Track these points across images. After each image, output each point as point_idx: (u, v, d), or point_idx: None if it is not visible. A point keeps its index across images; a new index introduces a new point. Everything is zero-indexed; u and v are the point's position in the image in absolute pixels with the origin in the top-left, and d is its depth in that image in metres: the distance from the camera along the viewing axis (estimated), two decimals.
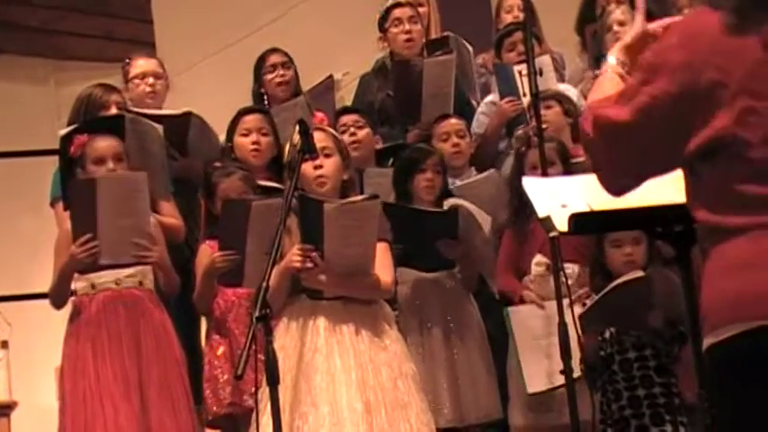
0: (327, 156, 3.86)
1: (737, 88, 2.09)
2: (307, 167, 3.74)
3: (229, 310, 4.32)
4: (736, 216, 2.11)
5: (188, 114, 4.73)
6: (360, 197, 3.84)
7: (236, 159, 4.71)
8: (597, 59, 4.95)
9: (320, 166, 3.82)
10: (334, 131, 4.20)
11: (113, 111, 4.62)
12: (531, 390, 4.27)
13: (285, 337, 3.74)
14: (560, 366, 3.71)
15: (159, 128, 4.55)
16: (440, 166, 4.60)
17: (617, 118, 2.19)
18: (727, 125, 2.10)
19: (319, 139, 3.78)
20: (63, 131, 4.41)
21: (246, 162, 4.68)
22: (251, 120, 4.78)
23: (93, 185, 4.07)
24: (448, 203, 4.46)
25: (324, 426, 3.57)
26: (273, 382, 3.10)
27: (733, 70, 2.09)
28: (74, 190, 4.15)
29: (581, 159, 4.69)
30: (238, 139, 4.76)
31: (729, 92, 2.09)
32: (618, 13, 4.98)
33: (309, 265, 3.70)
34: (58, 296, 4.24)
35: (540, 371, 4.25)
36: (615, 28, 4.94)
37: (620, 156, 2.23)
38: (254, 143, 4.72)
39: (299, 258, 3.70)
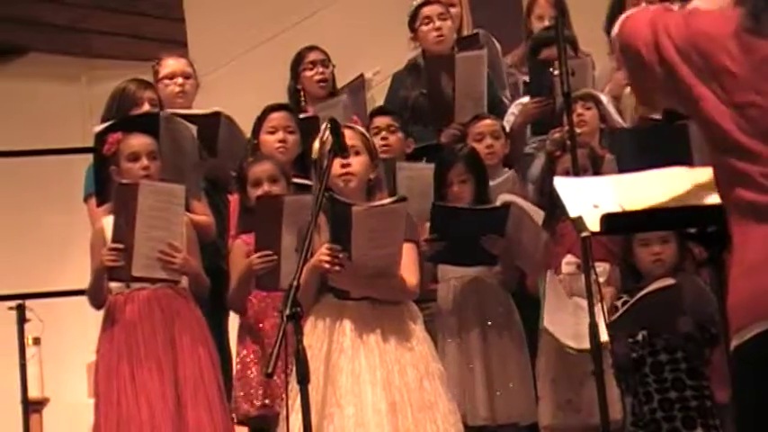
0: (356, 154, 3.86)
1: (744, 81, 2.18)
2: (333, 164, 3.74)
3: (264, 311, 4.33)
4: (752, 192, 2.16)
5: (217, 114, 4.75)
6: (388, 200, 3.83)
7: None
8: None
9: (348, 164, 3.82)
10: (363, 130, 4.20)
11: (146, 107, 4.63)
12: (571, 345, 4.22)
13: (312, 336, 3.74)
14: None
15: (193, 128, 4.57)
16: (466, 173, 4.55)
17: (642, 46, 2.31)
18: (730, 116, 2.19)
19: (348, 136, 3.77)
20: (98, 128, 4.43)
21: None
22: (277, 117, 4.79)
23: (135, 190, 4.09)
24: (501, 199, 4.43)
25: (348, 427, 3.57)
26: (304, 380, 3.10)
27: (744, 63, 2.18)
28: (118, 193, 4.15)
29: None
30: (264, 137, 4.78)
31: (737, 83, 2.19)
32: None
33: (337, 267, 3.70)
34: (93, 297, 4.25)
35: (568, 330, 4.22)
36: None
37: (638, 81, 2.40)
38: (280, 141, 4.74)
39: (327, 258, 3.70)
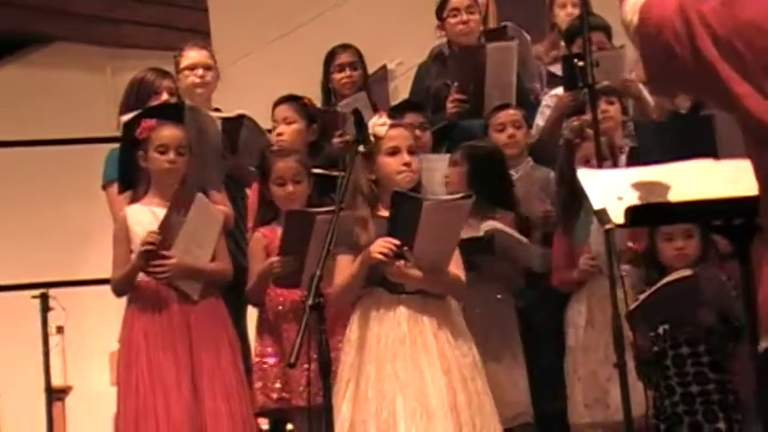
0: (411, 153, 3.88)
1: None
2: (392, 162, 3.80)
3: (284, 304, 4.31)
4: None
5: (241, 117, 4.78)
6: (456, 195, 3.89)
7: None
8: None
9: (409, 163, 3.85)
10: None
11: (165, 96, 4.64)
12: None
13: (363, 327, 3.76)
14: None
15: (218, 121, 4.59)
16: (460, 158, 4.52)
17: (671, 37, 2.16)
18: None
19: (406, 136, 3.87)
20: (126, 117, 4.45)
21: None
22: (279, 110, 4.85)
23: (192, 197, 4.17)
24: (485, 227, 4.41)
25: (416, 415, 3.59)
26: (326, 370, 3.11)
27: None
28: (180, 192, 4.20)
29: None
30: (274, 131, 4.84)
31: None
32: None
33: (399, 262, 3.71)
34: (123, 284, 4.25)
35: None
36: None
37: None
38: (278, 133, 4.79)
39: (384, 251, 3.70)
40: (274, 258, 4.21)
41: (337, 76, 5.31)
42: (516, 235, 4.41)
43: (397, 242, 3.70)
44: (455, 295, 3.89)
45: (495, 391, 4.04)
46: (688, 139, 4.16)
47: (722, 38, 2.09)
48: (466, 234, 4.18)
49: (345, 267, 3.74)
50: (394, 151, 3.82)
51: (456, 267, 3.84)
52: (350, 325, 3.78)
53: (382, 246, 3.69)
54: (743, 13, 2.09)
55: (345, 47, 5.37)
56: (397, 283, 3.77)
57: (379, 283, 3.79)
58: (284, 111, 4.82)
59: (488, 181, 4.52)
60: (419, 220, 3.67)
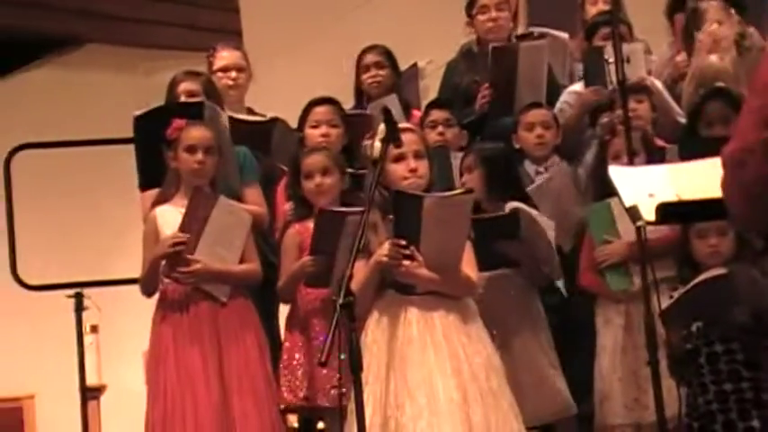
0: (420, 158, 3.87)
1: None
2: (398, 168, 3.80)
3: (313, 303, 4.31)
4: None
5: (274, 120, 4.80)
6: (456, 191, 3.87)
7: None
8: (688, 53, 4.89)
9: (415, 169, 3.84)
10: (423, 134, 4.20)
11: (182, 99, 4.64)
12: None
13: (377, 330, 3.76)
14: None
15: (225, 116, 4.58)
16: (473, 165, 4.52)
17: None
18: None
19: (413, 141, 3.84)
20: (138, 112, 4.47)
21: None
22: (321, 111, 4.82)
23: (213, 202, 4.17)
24: (509, 207, 4.40)
25: (422, 417, 3.58)
26: (357, 368, 3.11)
27: None
28: (196, 195, 4.20)
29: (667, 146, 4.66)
30: (308, 131, 4.81)
31: None
32: (712, 12, 4.87)
33: (406, 262, 3.70)
34: (147, 284, 4.27)
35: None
36: (713, 27, 4.83)
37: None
38: (323, 135, 4.76)
39: (390, 254, 3.70)
40: (306, 258, 4.22)
41: (364, 76, 5.32)
42: (539, 219, 4.37)
43: (403, 242, 3.70)
44: (467, 295, 3.85)
45: (531, 387, 4.05)
46: None
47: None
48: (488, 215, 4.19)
49: (359, 273, 3.72)
50: (400, 157, 3.81)
51: (468, 267, 3.81)
52: (365, 329, 3.76)
53: (388, 248, 3.70)
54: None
55: (372, 47, 5.38)
56: (407, 284, 3.76)
57: (390, 286, 3.79)
58: (329, 113, 4.81)
59: (505, 181, 4.53)
60: (421, 218, 3.67)
